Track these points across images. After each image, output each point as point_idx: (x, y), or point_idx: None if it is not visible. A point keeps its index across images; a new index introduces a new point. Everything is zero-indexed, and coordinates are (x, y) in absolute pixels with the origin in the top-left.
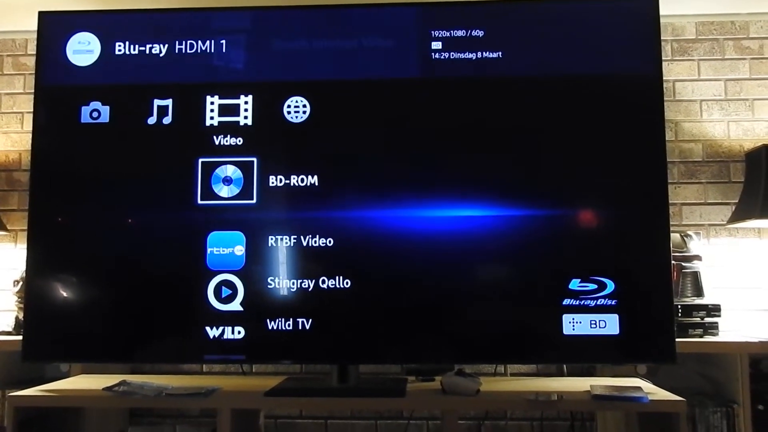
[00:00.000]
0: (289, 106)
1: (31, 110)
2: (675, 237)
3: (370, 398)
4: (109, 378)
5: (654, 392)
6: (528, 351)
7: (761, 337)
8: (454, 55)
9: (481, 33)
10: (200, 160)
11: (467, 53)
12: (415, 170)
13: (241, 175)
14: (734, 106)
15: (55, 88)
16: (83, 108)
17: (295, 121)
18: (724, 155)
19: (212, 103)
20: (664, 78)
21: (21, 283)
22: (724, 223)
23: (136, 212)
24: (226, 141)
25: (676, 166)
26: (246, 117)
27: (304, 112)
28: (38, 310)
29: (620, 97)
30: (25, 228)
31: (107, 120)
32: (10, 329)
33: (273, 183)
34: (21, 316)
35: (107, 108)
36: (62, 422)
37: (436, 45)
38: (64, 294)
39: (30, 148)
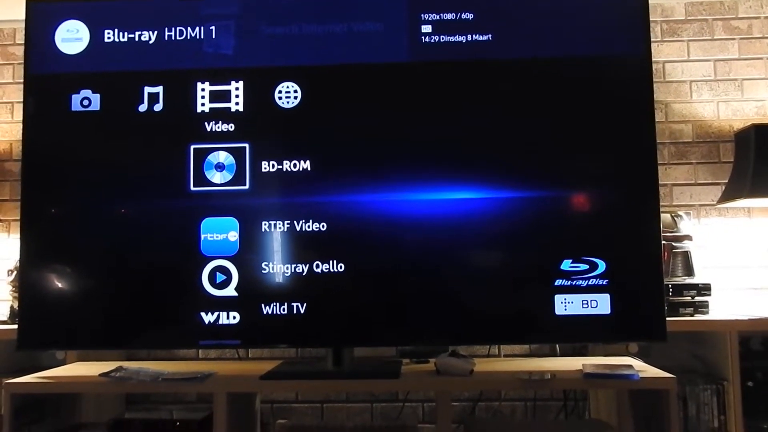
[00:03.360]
0: (280, 92)
1: (21, 100)
2: (665, 217)
3: (365, 380)
4: (105, 365)
5: (645, 370)
6: (521, 332)
7: (751, 315)
8: (444, 38)
9: (470, 16)
10: (192, 147)
11: (457, 36)
12: (407, 154)
13: (234, 161)
14: (723, 86)
15: (45, 76)
16: (73, 96)
17: (286, 106)
18: (714, 136)
19: (203, 89)
20: (653, 59)
21: (15, 272)
22: (714, 203)
23: (129, 200)
24: (218, 127)
25: (667, 147)
26: (237, 103)
27: (296, 98)
28: (33, 299)
29: (610, 78)
30: (18, 218)
31: (98, 108)
32: (5, 318)
33: (265, 168)
34: (16, 306)
35: (98, 96)
36: (59, 409)
37: (426, 28)
38: (59, 282)
39: (20, 138)
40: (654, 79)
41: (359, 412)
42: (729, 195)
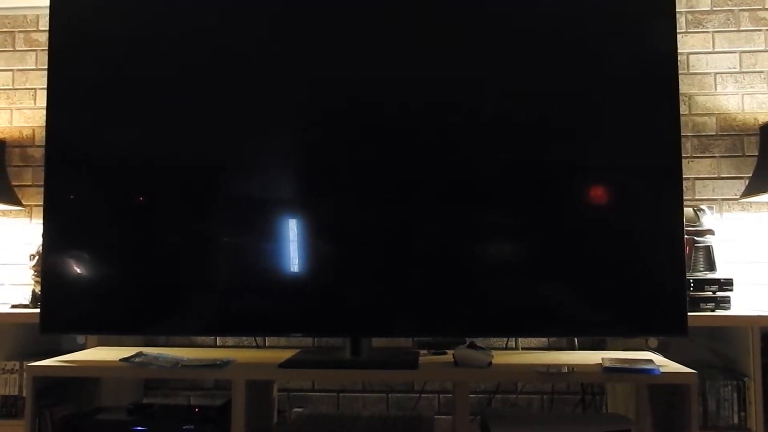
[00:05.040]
0: None
1: (44, 86)
2: (688, 211)
3: (382, 370)
4: (124, 350)
5: (665, 365)
6: (539, 324)
7: None
8: None
9: None
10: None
11: None
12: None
13: None
14: (749, 78)
15: (69, 60)
16: (97, 81)
17: None
18: (738, 128)
19: None
20: (678, 51)
21: (37, 257)
22: (738, 197)
23: (150, 186)
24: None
25: (690, 140)
26: None
27: None
28: (55, 283)
29: (634, 71)
30: (40, 203)
31: (122, 94)
32: (27, 302)
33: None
34: (38, 290)
35: (120, 82)
36: (79, 393)
37: None
38: (81, 267)
39: (43, 124)
40: (678, 71)
41: (375, 402)
42: (753, 189)
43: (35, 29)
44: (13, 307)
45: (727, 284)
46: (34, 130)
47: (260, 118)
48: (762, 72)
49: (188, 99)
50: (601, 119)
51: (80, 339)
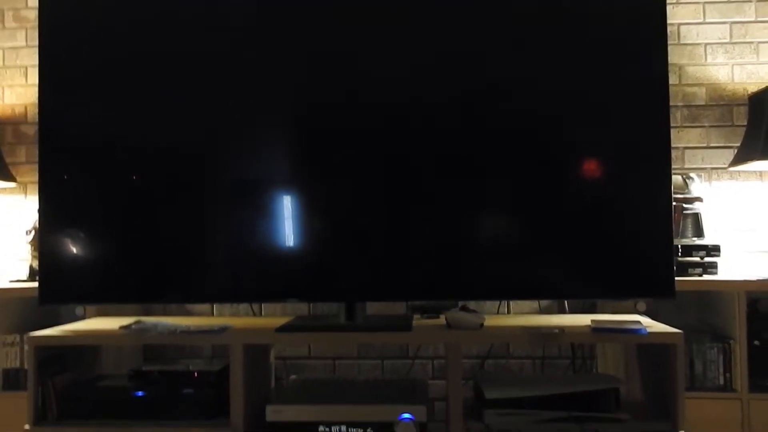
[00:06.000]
0: None
1: (35, 63)
2: (677, 179)
3: (377, 333)
4: (123, 320)
5: (652, 326)
6: (531, 287)
7: (760, 276)
8: None
9: None
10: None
11: None
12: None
13: None
14: (739, 49)
15: (60, 37)
16: (89, 59)
17: None
18: (728, 99)
19: None
20: (668, 21)
21: (33, 232)
22: (726, 166)
23: (145, 158)
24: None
25: (680, 110)
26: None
27: None
28: (53, 255)
29: (623, 40)
30: (34, 180)
31: (114, 72)
32: (24, 278)
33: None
34: (35, 264)
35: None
36: (79, 363)
37: None
38: (78, 239)
39: (35, 101)
40: (668, 42)
41: (370, 369)
42: (741, 157)
43: (24, 6)
44: (11, 282)
45: (714, 250)
46: (26, 107)
47: (256, 96)
48: (752, 42)
49: (183, 77)
50: (589, 88)
51: (79, 311)
